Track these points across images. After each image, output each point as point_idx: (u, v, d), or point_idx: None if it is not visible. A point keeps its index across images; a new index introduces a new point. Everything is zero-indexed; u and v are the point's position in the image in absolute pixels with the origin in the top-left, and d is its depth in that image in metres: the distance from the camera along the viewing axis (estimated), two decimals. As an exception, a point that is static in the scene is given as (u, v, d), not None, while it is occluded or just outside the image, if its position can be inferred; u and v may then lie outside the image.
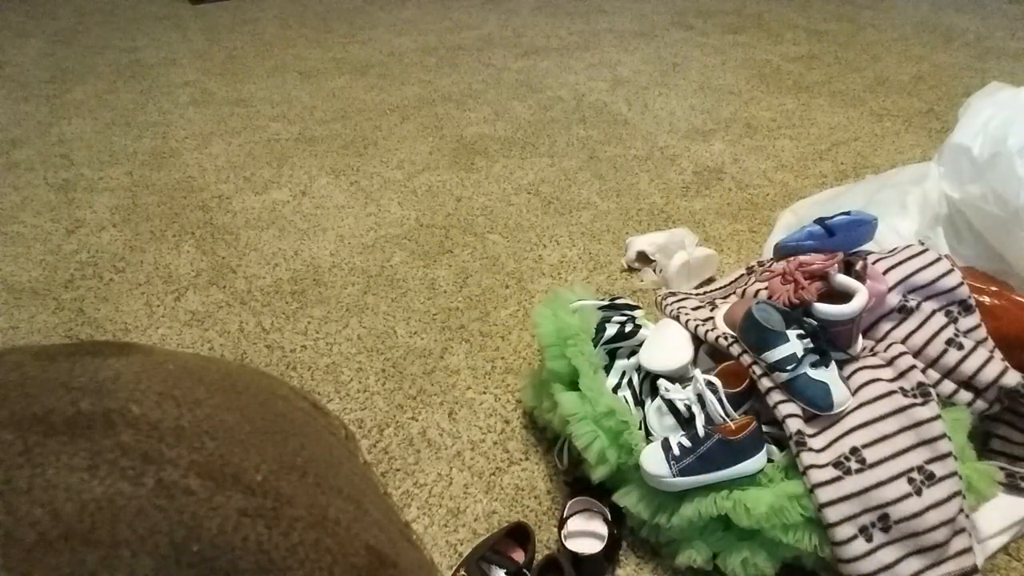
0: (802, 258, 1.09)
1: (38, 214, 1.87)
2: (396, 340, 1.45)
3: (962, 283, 1.08)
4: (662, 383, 1.06)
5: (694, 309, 1.19)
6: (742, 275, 1.36)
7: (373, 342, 1.44)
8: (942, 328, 1.05)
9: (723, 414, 0.98)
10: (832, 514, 0.90)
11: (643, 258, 1.62)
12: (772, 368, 0.99)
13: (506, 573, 0.98)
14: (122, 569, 0.55)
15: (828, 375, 0.98)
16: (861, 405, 0.98)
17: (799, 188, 1.96)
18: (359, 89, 2.64)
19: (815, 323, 1.00)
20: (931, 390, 0.98)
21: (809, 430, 0.96)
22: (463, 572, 0.97)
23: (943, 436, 0.94)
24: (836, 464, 0.92)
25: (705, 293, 1.34)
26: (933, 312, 1.07)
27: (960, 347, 1.03)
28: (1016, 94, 1.34)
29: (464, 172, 2.07)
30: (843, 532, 0.90)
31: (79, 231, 1.80)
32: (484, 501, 1.13)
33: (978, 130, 1.30)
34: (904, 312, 1.08)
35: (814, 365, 0.98)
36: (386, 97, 2.57)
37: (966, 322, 1.07)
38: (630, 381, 1.12)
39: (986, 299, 1.11)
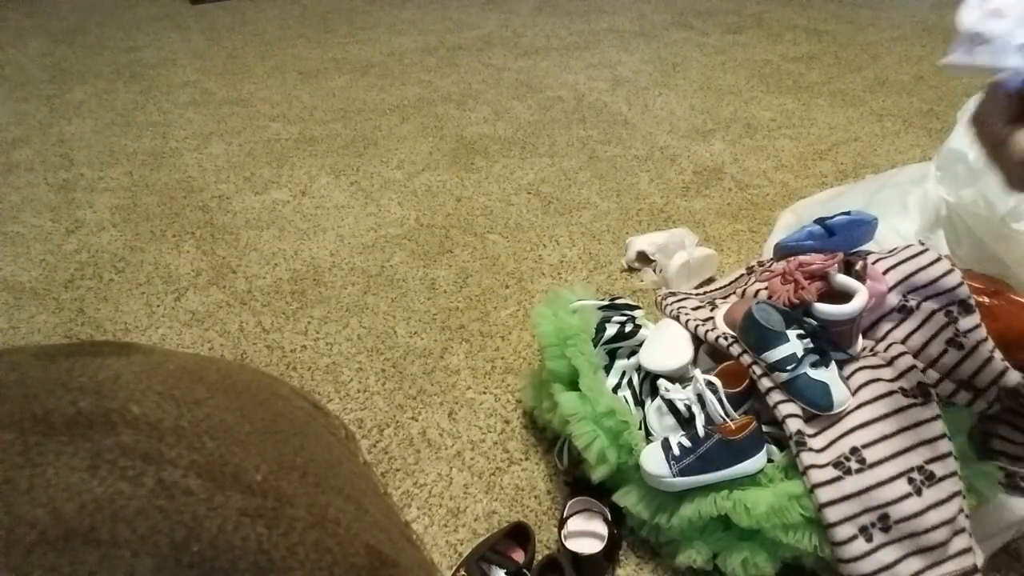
0: (802, 258, 1.09)
1: (38, 214, 1.87)
2: (396, 340, 1.45)
3: (962, 283, 1.08)
4: (662, 383, 1.06)
5: (694, 309, 1.19)
6: (742, 275, 1.36)
7: (373, 342, 1.44)
8: (942, 328, 1.05)
9: (723, 414, 0.98)
10: (832, 514, 0.90)
11: (643, 258, 1.62)
12: (772, 368, 0.99)
13: (506, 573, 0.98)
14: (122, 569, 0.55)
15: (828, 375, 0.98)
16: (861, 405, 0.97)
17: (799, 188, 1.96)
18: (359, 89, 2.64)
19: (815, 323, 1.00)
20: (931, 390, 0.98)
21: (809, 430, 0.96)
22: (463, 572, 0.97)
23: (943, 436, 0.94)
24: (836, 464, 0.92)
25: (705, 293, 1.34)
26: (933, 312, 1.07)
27: (960, 347, 1.03)
28: None
29: (464, 172, 2.07)
30: (843, 532, 0.90)
31: (79, 231, 1.80)
32: (484, 501, 1.13)
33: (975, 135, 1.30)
34: (904, 312, 1.08)
35: (814, 365, 0.98)
36: (386, 97, 2.57)
37: (966, 322, 1.07)
38: (630, 381, 1.12)
39: (986, 299, 1.11)
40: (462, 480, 1.17)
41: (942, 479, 0.92)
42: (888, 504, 0.90)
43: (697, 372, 1.03)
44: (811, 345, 0.98)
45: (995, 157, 0.53)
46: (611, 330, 1.14)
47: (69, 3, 3.69)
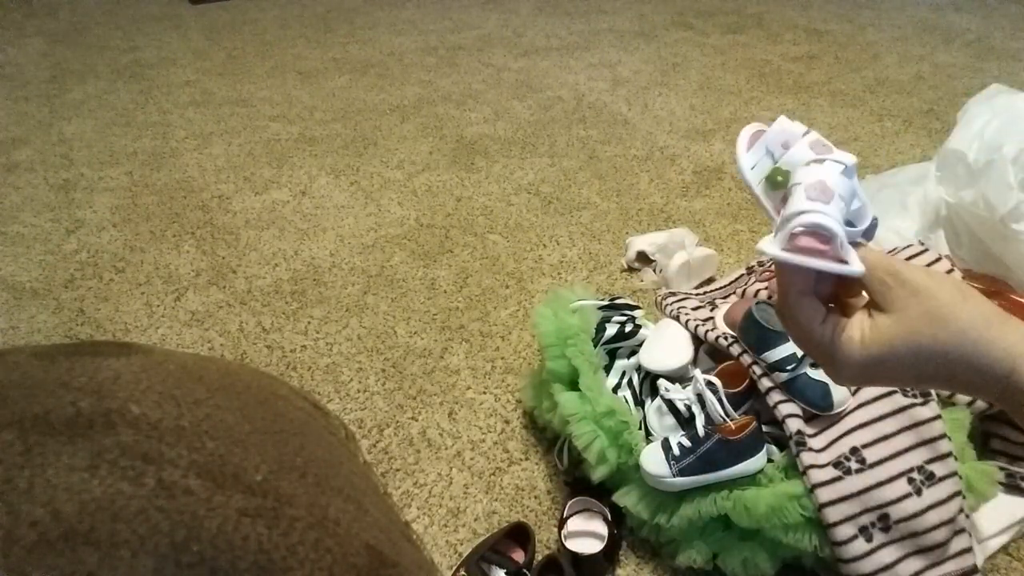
0: (802, 258, 1.09)
1: (38, 214, 1.87)
2: (396, 340, 1.45)
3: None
4: (662, 383, 1.06)
5: (694, 309, 1.19)
6: (742, 275, 1.36)
7: (373, 342, 1.44)
8: (942, 328, 1.05)
9: (723, 414, 0.98)
10: (832, 514, 0.90)
11: (643, 258, 1.62)
12: (772, 368, 0.99)
13: (506, 573, 0.98)
14: (122, 569, 0.55)
15: (828, 375, 0.98)
16: (861, 405, 0.98)
17: (799, 188, 1.96)
18: (359, 89, 2.64)
19: (815, 323, 1.00)
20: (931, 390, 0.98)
21: (809, 430, 0.96)
22: (463, 572, 0.97)
23: (943, 436, 0.94)
24: (836, 464, 0.92)
25: (705, 293, 1.34)
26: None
27: (960, 347, 1.03)
28: (1013, 100, 1.33)
29: (464, 172, 2.07)
30: (843, 532, 0.90)
31: (79, 231, 1.80)
32: (484, 501, 1.13)
33: (974, 136, 1.30)
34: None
35: (814, 365, 0.98)
36: (386, 97, 2.57)
37: (966, 322, 1.07)
38: (630, 381, 1.12)
39: (986, 299, 1.11)
40: (462, 480, 1.17)
41: (942, 479, 0.92)
42: (888, 504, 0.90)
43: (697, 372, 1.03)
44: (811, 345, 0.98)
45: (809, 349, 0.44)
46: (611, 330, 1.14)
47: (69, 3, 3.69)
